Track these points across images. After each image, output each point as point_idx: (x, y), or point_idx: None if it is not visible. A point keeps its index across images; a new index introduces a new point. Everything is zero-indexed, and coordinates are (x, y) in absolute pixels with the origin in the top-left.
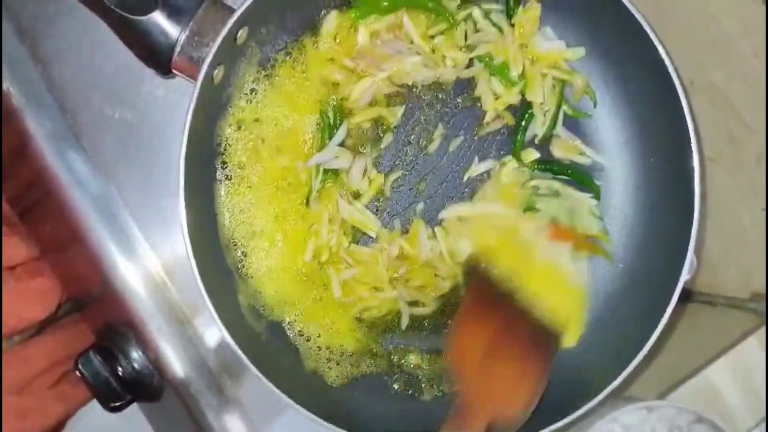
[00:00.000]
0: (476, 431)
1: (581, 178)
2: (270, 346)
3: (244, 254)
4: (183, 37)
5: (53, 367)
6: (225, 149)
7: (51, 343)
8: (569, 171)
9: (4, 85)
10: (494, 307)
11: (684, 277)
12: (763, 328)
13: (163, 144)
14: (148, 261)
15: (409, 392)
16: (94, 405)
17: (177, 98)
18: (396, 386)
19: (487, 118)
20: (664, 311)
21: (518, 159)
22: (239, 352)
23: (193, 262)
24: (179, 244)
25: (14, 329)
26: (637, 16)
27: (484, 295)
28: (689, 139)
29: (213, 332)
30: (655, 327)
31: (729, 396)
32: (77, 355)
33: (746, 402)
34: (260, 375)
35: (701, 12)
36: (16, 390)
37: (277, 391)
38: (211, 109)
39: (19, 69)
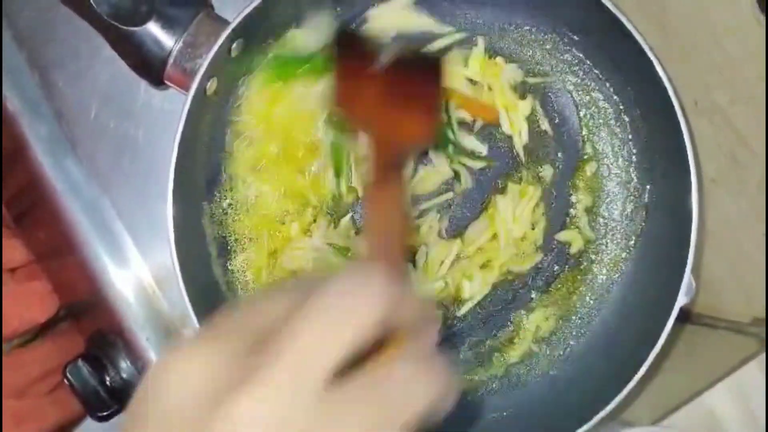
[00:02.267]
0: (396, 163)
1: None
2: None
3: (234, 267)
4: (176, 48)
5: (50, 372)
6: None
7: (49, 349)
8: None
9: (2, 92)
10: (371, 56)
11: (681, 300)
12: (764, 354)
13: (158, 154)
14: (138, 270)
15: None
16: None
17: (173, 108)
18: None
19: None
20: (660, 334)
21: None
22: None
23: (179, 273)
24: (169, 253)
25: (15, 332)
26: (638, 37)
27: (357, 47)
28: (688, 160)
29: None
30: (651, 350)
31: (727, 422)
32: (65, 363)
33: (745, 429)
34: None
35: (706, 34)
36: (14, 395)
37: None
38: (204, 120)
39: (17, 76)
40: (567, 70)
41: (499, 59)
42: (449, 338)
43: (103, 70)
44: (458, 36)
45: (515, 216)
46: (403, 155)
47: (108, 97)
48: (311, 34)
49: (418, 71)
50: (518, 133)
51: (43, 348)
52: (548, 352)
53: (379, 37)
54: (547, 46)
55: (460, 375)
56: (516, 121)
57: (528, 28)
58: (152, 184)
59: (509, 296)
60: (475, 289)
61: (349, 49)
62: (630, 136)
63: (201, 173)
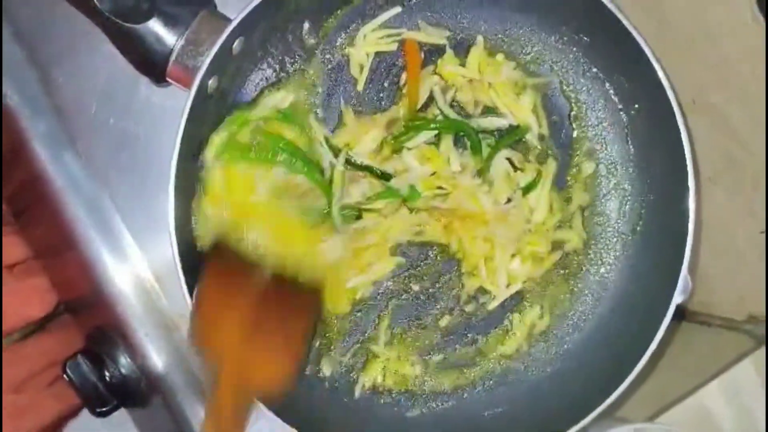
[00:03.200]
0: (238, 401)
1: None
2: None
3: None
4: (178, 46)
5: (49, 366)
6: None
7: (48, 343)
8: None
9: (2, 88)
10: (242, 278)
11: (677, 298)
12: (758, 351)
13: (157, 150)
14: (138, 267)
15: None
16: (84, 412)
17: (172, 105)
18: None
19: None
20: (656, 332)
21: None
22: None
23: (180, 269)
24: (170, 251)
25: (14, 327)
26: (637, 36)
27: (230, 266)
28: (686, 159)
29: None
30: (647, 348)
31: (722, 419)
32: (65, 359)
33: (739, 425)
34: None
35: (702, 34)
36: (13, 389)
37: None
38: (205, 118)
39: (17, 72)
40: (565, 69)
41: (499, 56)
42: (446, 336)
43: (103, 67)
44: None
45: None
46: (248, 403)
47: (108, 94)
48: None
49: (291, 299)
50: (530, 124)
51: (42, 341)
52: (545, 350)
53: (256, 254)
54: (547, 46)
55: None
56: (521, 114)
57: (527, 28)
58: (152, 180)
59: None
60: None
61: (223, 264)
62: (628, 135)
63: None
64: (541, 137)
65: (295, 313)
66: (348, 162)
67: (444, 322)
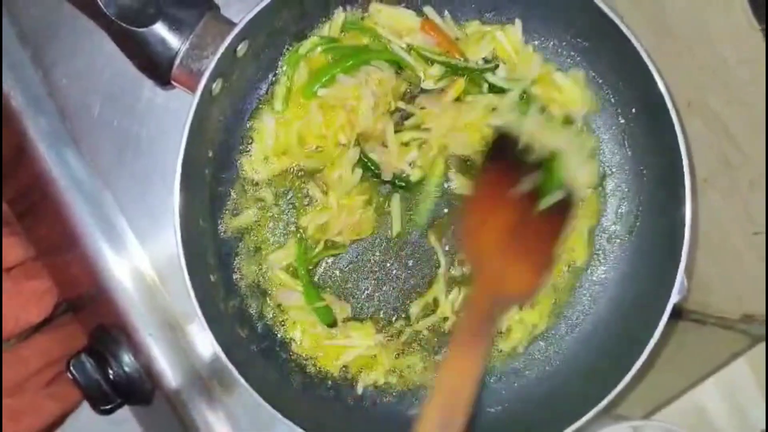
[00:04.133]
0: (491, 309)
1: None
2: (259, 358)
3: (239, 264)
4: (183, 49)
5: (47, 366)
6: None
7: (45, 343)
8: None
9: (5, 89)
10: (509, 183)
11: (674, 298)
12: (753, 350)
13: (161, 151)
14: (142, 266)
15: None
16: (85, 408)
17: (176, 106)
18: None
19: None
20: (654, 332)
21: None
22: (227, 362)
23: (185, 268)
24: (174, 251)
25: (12, 332)
26: (634, 40)
27: (502, 170)
28: (682, 161)
29: (204, 339)
30: (644, 347)
31: (717, 417)
32: (69, 357)
33: (734, 423)
34: (246, 384)
35: (700, 37)
36: (12, 390)
37: (263, 402)
38: (210, 120)
39: (21, 73)
40: (564, 71)
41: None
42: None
43: (106, 68)
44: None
45: None
46: (501, 311)
47: (111, 95)
48: None
49: (551, 212)
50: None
51: (41, 341)
52: (544, 349)
53: (531, 149)
54: (546, 49)
55: None
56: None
57: (526, 32)
58: (155, 180)
59: None
60: None
61: (500, 157)
62: (624, 138)
63: (207, 170)
64: None
65: (550, 224)
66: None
67: (447, 323)
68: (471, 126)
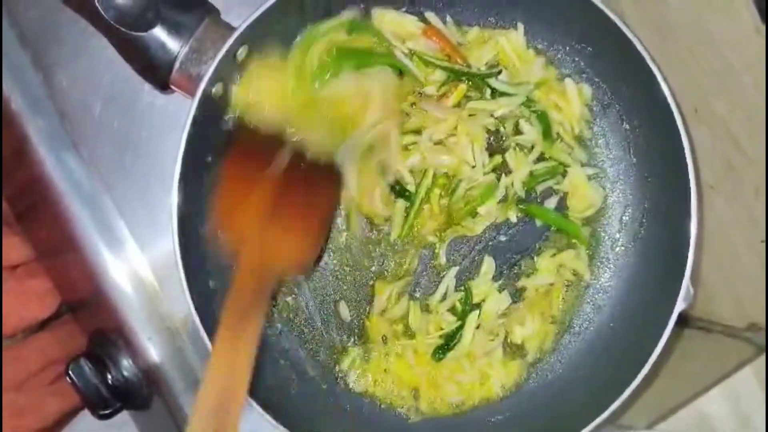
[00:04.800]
0: (258, 285)
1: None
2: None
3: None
4: (182, 53)
5: (50, 364)
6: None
7: (49, 341)
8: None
9: (5, 91)
10: (265, 158)
11: (679, 306)
12: (759, 359)
13: (161, 154)
14: (141, 270)
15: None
16: (84, 412)
17: (176, 109)
18: None
19: None
20: (659, 341)
21: None
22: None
23: (182, 272)
24: (172, 254)
25: (15, 330)
26: (639, 46)
27: (254, 145)
28: (687, 168)
29: (202, 344)
30: (649, 356)
31: (721, 426)
32: (68, 361)
33: None
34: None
35: (706, 43)
36: (14, 388)
37: (261, 410)
38: (209, 125)
39: (21, 75)
40: (570, 78)
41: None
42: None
43: (107, 71)
44: None
45: None
46: (268, 285)
47: (111, 97)
48: None
49: (312, 182)
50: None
51: (43, 340)
52: (548, 357)
53: (280, 134)
54: (549, 54)
55: None
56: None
57: (531, 37)
58: (154, 184)
59: None
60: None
61: (248, 143)
62: (629, 144)
63: (206, 175)
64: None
65: (315, 196)
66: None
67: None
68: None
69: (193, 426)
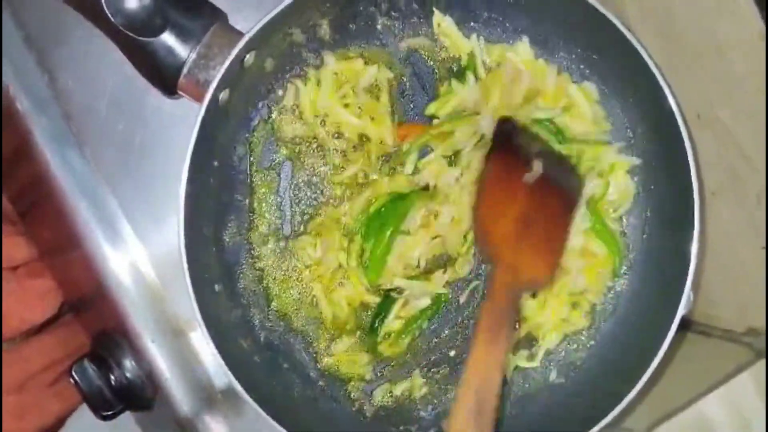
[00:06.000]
0: (510, 298)
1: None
2: (261, 369)
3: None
4: (190, 59)
5: (52, 365)
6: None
7: (50, 342)
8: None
9: (11, 92)
10: (519, 171)
11: (680, 314)
12: (758, 364)
13: (166, 157)
14: (145, 272)
15: None
16: (86, 413)
17: (182, 112)
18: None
19: None
20: (660, 347)
21: None
22: (229, 373)
23: (189, 279)
24: (177, 256)
25: (16, 331)
26: (642, 52)
27: (509, 158)
28: (690, 174)
29: (206, 346)
30: (651, 362)
31: (720, 430)
32: (72, 362)
33: None
34: (248, 397)
35: (710, 49)
36: (15, 389)
37: (265, 415)
38: (216, 130)
39: (27, 76)
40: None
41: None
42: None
43: (113, 73)
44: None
45: None
46: (518, 298)
47: (117, 99)
48: None
49: (559, 190)
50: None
51: (42, 343)
52: (551, 360)
53: (535, 136)
54: (555, 62)
55: None
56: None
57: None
58: (160, 186)
59: None
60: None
61: (506, 145)
62: (633, 151)
63: (212, 179)
64: None
65: (559, 209)
66: None
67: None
68: None
69: (454, 421)
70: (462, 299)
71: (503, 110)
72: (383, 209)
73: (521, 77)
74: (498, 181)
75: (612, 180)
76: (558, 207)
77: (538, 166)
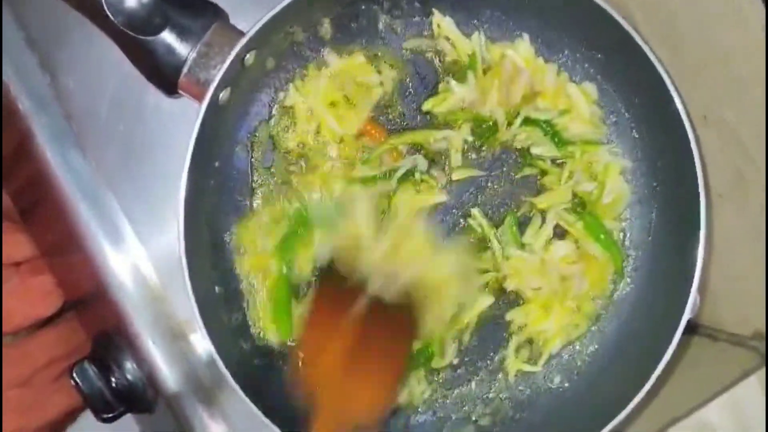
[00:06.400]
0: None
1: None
2: (261, 372)
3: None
4: (191, 58)
5: (55, 362)
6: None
7: (53, 338)
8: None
9: (13, 92)
10: (347, 303)
11: (686, 317)
12: (764, 368)
13: (167, 157)
14: (145, 273)
15: None
16: (87, 416)
17: (182, 111)
18: None
19: None
20: (665, 351)
21: None
22: (228, 376)
23: (188, 281)
24: (177, 257)
25: (18, 327)
26: (649, 53)
27: (336, 291)
28: (697, 177)
29: (206, 348)
30: (656, 367)
31: None
32: (72, 364)
33: None
34: (248, 400)
35: (716, 51)
36: (18, 384)
37: (264, 419)
38: (217, 130)
39: (28, 76)
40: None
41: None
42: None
43: (114, 73)
44: None
45: None
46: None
47: (118, 100)
48: None
49: (390, 330)
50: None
51: (45, 339)
52: (554, 364)
53: (360, 277)
54: (559, 62)
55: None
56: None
57: (541, 44)
58: (160, 187)
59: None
60: None
61: (330, 285)
62: (638, 153)
63: (213, 180)
64: None
65: (394, 338)
66: None
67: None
68: None
69: None
70: None
71: (502, 108)
72: None
73: (520, 75)
74: (324, 314)
75: (607, 182)
76: (391, 336)
77: (362, 305)
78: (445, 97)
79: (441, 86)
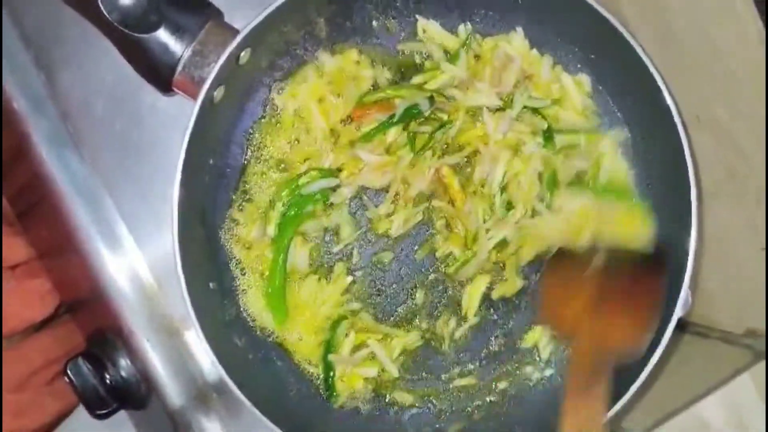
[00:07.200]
0: (597, 365)
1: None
2: (255, 367)
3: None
4: (185, 56)
5: (50, 364)
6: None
7: (48, 341)
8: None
9: (8, 91)
10: (579, 270)
11: (677, 315)
12: (757, 366)
13: (162, 156)
14: (140, 271)
15: None
16: (81, 412)
17: (178, 110)
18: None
19: None
20: (657, 348)
21: None
22: (223, 373)
23: (182, 276)
24: (172, 255)
25: (14, 330)
26: (641, 53)
27: (565, 265)
28: (689, 176)
29: (200, 344)
30: (647, 363)
31: None
32: (66, 360)
33: None
34: (242, 396)
35: (708, 50)
36: (13, 388)
37: (259, 414)
38: (211, 128)
39: (23, 75)
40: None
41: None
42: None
43: (109, 72)
44: None
45: None
46: (605, 362)
47: (114, 99)
48: None
49: (636, 271)
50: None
51: (40, 342)
52: (547, 358)
53: (593, 245)
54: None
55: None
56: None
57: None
58: (155, 185)
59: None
60: None
61: (560, 265)
62: (631, 152)
63: (207, 177)
64: None
65: (638, 286)
66: None
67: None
68: None
69: None
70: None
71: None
72: None
73: (512, 63)
74: (559, 278)
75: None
76: (634, 283)
77: (598, 260)
78: (435, 75)
79: (427, 63)
